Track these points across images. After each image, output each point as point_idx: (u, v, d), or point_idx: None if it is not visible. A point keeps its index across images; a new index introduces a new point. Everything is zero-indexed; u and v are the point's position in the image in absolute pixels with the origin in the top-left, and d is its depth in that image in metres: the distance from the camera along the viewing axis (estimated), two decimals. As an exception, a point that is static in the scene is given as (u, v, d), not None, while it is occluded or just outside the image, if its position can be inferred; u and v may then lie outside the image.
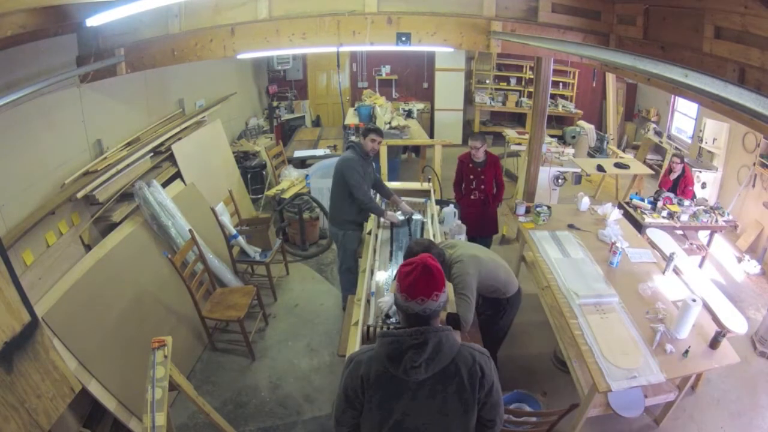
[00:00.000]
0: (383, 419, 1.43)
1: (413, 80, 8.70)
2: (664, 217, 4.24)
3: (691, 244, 4.65)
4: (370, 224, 3.64)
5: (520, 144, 6.62)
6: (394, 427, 1.43)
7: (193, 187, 4.33)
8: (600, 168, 5.49)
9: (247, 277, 4.41)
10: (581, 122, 6.81)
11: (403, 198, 3.92)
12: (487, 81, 8.66)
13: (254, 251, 4.09)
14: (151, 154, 3.93)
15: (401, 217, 3.51)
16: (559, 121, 8.16)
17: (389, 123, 5.95)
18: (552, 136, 6.92)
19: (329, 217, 3.80)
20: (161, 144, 4.08)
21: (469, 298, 2.40)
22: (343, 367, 1.50)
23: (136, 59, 3.14)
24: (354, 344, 2.37)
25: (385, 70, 8.55)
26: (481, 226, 4.17)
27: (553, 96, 7.91)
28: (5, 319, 1.98)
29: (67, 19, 2.64)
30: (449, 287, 2.40)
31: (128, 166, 3.55)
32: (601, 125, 8.23)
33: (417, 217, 3.61)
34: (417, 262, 1.40)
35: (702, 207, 4.40)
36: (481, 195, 4.12)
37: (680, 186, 4.78)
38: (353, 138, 3.81)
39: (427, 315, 1.39)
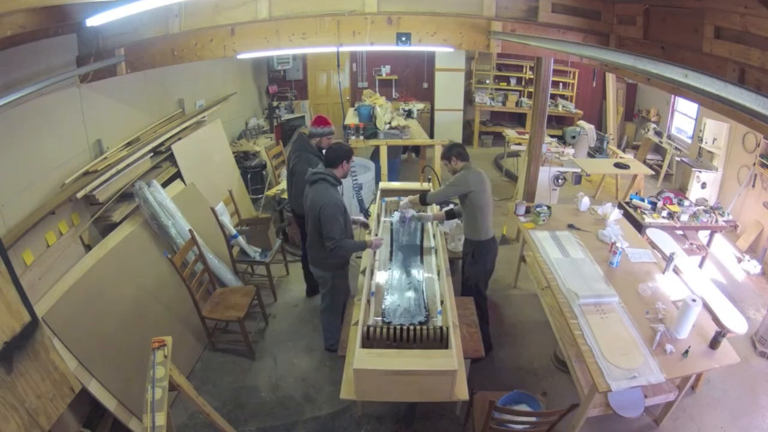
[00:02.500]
0: None
1: (413, 80, 8.69)
2: (664, 217, 4.24)
3: (691, 244, 4.65)
4: (371, 225, 3.63)
5: (520, 144, 6.61)
6: None
7: (193, 187, 4.33)
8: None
9: (247, 277, 4.41)
10: (581, 122, 6.81)
11: (402, 198, 3.93)
12: (487, 81, 8.65)
13: (254, 251, 4.09)
14: (151, 154, 3.93)
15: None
16: (559, 121, 8.16)
17: (389, 123, 5.94)
18: (552, 136, 6.92)
19: (310, 260, 3.29)
20: (161, 144, 4.08)
21: (445, 189, 3.24)
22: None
23: (136, 59, 3.14)
24: (354, 344, 2.38)
25: (385, 70, 8.54)
26: None
27: (553, 96, 7.91)
28: (5, 319, 1.98)
29: (67, 19, 2.65)
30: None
31: (128, 166, 3.55)
32: (601, 125, 8.23)
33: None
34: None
35: (702, 207, 4.40)
36: None
37: None
38: (316, 170, 3.04)
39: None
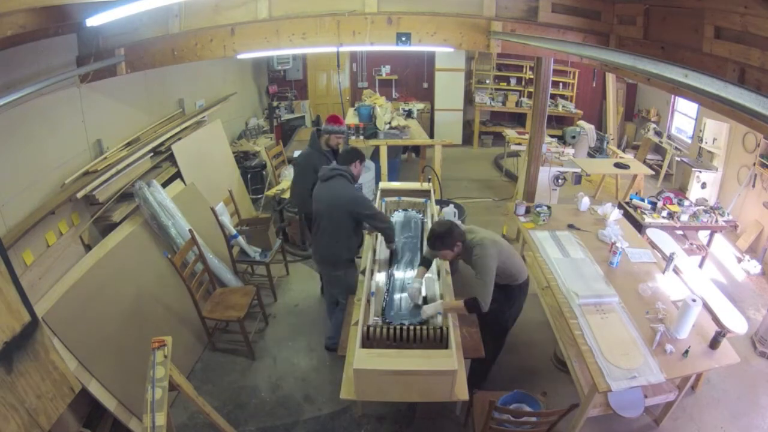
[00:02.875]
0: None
1: (413, 80, 8.69)
2: (664, 217, 4.24)
3: (691, 244, 4.65)
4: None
5: (520, 144, 6.61)
6: None
7: (193, 187, 4.33)
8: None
9: (247, 277, 4.41)
10: (581, 122, 6.80)
11: (403, 198, 3.93)
12: (487, 81, 8.65)
13: (254, 251, 4.09)
14: (151, 154, 3.93)
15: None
16: (559, 121, 8.15)
17: (389, 123, 5.95)
18: (552, 136, 6.92)
19: (320, 258, 3.24)
20: (161, 144, 4.08)
21: (488, 282, 2.52)
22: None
23: (136, 59, 3.14)
24: (354, 344, 2.38)
25: (385, 70, 8.54)
26: None
27: (553, 96, 7.90)
28: (5, 319, 1.98)
29: (67, 19, 2.64)
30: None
31: (128, 166, 3.55)
32: (601, 125, 8.22)
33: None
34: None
35: (702, 207, 4.40)
36: None
37: None
38: (332, 166, 3.09)
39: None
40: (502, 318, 2.91)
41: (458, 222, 2.67)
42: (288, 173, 5.35)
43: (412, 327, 2.44)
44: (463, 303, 2.52)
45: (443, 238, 2.59)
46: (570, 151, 5.95)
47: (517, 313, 2.98)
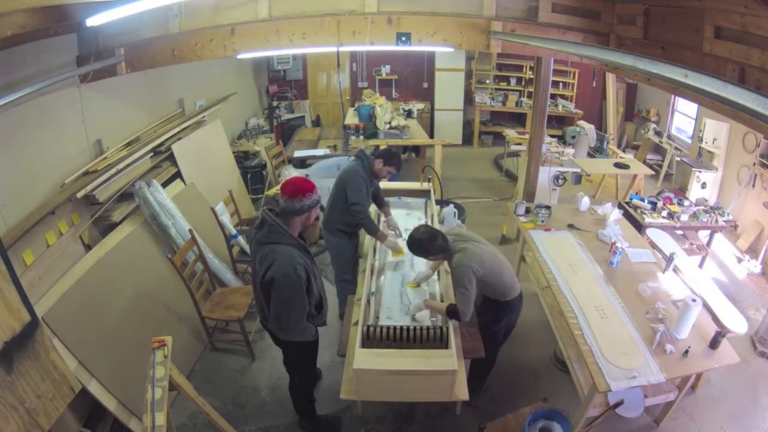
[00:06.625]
0: None
1: (413, 80, 8.69)
2: (664, 217, 4.24)
3: (691, 244, 4.65)
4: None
5: (520, 144, 6.61)
6: None
7: (193, 187, 4.33)
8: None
9: (247, 277, 4.40)
10: (581, 122, 6.81)
11: (403, 198, 3.93)
12: (487, 81, 8.65)
13: (254, 251, 4.09)
14: (151, 154, 3.93)
15: (396, 239, 3.34)
16: (559, 121, 8.15)
17: (389, 123, 5.95)
18: (552, 136, 6.92)
19: (323, 223, 3.51)
20: (161, 144, 4.08)
21: (468, 291, 2.44)
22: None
23: (136, 59, 3.14)
24: (354, 344, 2.38)
25: (385, 70, 8.54)
26: None
27: (553, 96, 7.90)
28: (5, 319, 1.98)
29: (67, 19, 2.64)
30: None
31: (128, 166, 3.55)
32: (601, 125, 8.22)
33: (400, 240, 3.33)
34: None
35: (702, 207, 4.40)
36: None
37: None
38: (364, 149, 3.36)
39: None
40: (491, 331, 2.82)
41: (454, 226, 2.67)
42: (288, 173, 5.35)
43: (412, 327, 2.44)
44: (445, 309, 2.54)
45: (420, 245, 2.58)
46: (570, 151, 5.95)
47: (505, 330, 2.91)
